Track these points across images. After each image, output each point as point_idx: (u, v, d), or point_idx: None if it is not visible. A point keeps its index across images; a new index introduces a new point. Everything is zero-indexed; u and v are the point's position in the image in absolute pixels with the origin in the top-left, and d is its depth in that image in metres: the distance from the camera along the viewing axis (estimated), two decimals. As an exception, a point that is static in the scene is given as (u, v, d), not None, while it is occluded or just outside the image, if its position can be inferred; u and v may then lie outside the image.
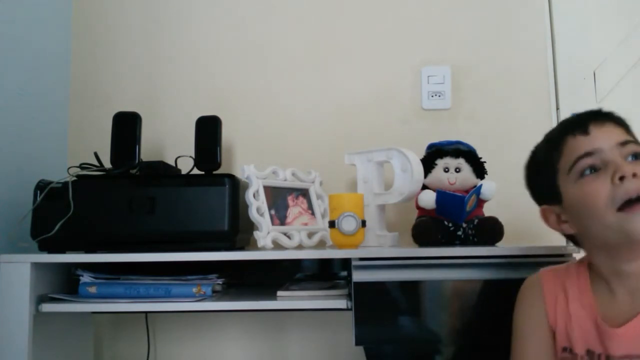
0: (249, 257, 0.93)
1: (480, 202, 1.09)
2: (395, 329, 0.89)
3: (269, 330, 1.30)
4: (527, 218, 1.26)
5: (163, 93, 1.39)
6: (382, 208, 1.12)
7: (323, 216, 1.16)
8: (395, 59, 1.37)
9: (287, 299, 0.96)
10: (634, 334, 0.67)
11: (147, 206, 0.98)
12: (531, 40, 1.37)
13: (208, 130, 1.07)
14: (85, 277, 1.00)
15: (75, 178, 1.01)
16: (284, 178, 1.12)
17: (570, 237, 0.79)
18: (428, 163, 1.11)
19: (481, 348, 0.90)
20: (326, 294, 0.99)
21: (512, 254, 0.90)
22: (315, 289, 1.01)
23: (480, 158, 1.13)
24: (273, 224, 1.03)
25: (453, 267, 0.90)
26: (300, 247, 1.06)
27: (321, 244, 1.12)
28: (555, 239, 1.24)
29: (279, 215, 1.07)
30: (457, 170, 1.10)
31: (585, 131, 0.72)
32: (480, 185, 1.06)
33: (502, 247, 0.93)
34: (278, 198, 1.09)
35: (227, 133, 1.19)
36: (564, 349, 0.74)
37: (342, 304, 0.92)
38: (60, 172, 1.07)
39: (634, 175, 0.66)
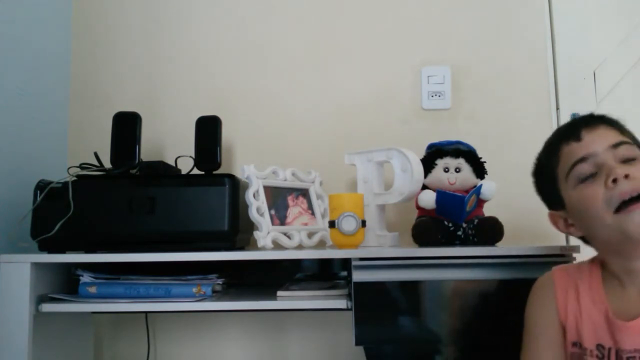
0: (249, 257, 0.93)
1: (480, 202, 1.09)
2: (395, 329, 0.89)
3: (269, 330, 1.30)
4: (527, 218, 1.27)
5: (163, 93, 1.39)
6: (382, 208, 1.12)
7: (323, 216, 1.16)
8: (395, 59, 1.37)
9: (287, 299, 0.96)
10: None
11: (147, 206, 0.98)
12: (531, 40, 1.37)
13: (208, 130, 1.07)
14: (85, 277, 1.00)
15: (75, 178, 1.01)
16: (284, 178, 1.12)
17: (581, 238, 0.80)
18: (428, 163, 1.11)
19: (481, 348, 0.90)
20: (326, 294, 0.99)
21: (512, 254, 0.90)
22: (315, 289, 1.01)
23: (480, 158, 1.13)
24: (273, 224, 1.03)
25: (453, 267, 0.90)
26: (300, 247, 1.06)
27: (321, 244, 1.12)
28: (555, 239, 1.25)
29: (279, 215, 1.07)
30: (457, 170, 1.10)
31: (577, 137, 0.74)
32: (480, 185, 1.06)
33: (502, 247, 0.93)
34: (278, 198, 1.09)
35: (227, 133, 1.19)
36: (574, 344, 0.75)
37: (342, 304, 0.92)
38: (60, 172, 1.07)
39: (626, 176, 0.68)
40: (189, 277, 1.00)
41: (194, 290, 0.97)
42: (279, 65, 1.39)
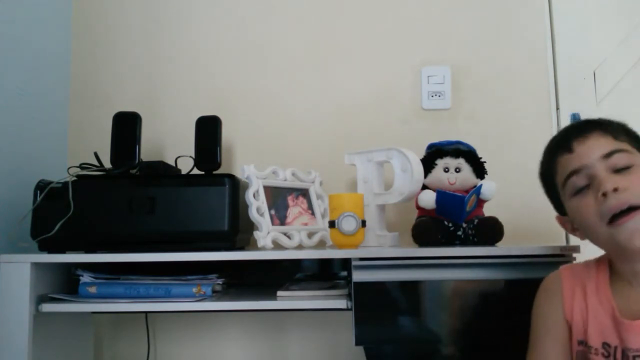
0: (249, 257, 0.93)
1: (480, 202, 1.09)
2: (395, 329, 0.89)
3: (269, 330, 1.30)
4: (527, 218, 1.27)
5: (163, 93, 1.39)
6: (382, 208, 1.12)
7: (323, 216, 1.16)
8: (395, 59, 1.37)
9: (287, 299, 0.96)
10: None
11: (147, 206, 0.98)
12: (531, 40, 1.37)
13: (208, 130, 1.07)
14: (85, 277, 1.00)
15: (75, 178, 1.01)
16: (284, 178, 1.12)
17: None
18: (428, 163, 1.11)
19: (481, 348, 0.90)
20: (326, 294, 0.99)
21: (512, 254, 0.90)
22: (315, 289, 1.01)
23: (480, 158, 1.13)
24: (273, 224, 1.03)
25: (453, 267, 0.90)
26: (300, 247, 1.06)
27: (321, 244, 1.12)
28: (555, 239, 1.25)
29: (279, 215, 1.07)
30: (457, 170, 1.10)
31: (569, 149, 0.75)
32: (480, 185, 1.06)
33: (502, 247, 0.93)
34: (278, 198, 1.09)
35: (227, 133, 1.19)
36: (580, 342, 0.75)
37: (342, 304, 0.92)
38: (60, 172, 1.07)
39: (615, 190, 0.68)
40: (189, 277, 1.00)
41: (194, 290, 0.97)
42: (279, 65, 1.39)
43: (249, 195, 1.02)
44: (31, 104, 1.22)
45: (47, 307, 0.93)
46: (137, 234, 0.98)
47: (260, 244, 0.99)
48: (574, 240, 0.84)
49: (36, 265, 0.93)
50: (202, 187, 0.99)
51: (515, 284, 0.89)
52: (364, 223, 0.98)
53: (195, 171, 1.08)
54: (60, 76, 1.37)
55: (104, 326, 1.32)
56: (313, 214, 1.15)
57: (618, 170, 0.71)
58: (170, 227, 0.97)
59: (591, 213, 0.71)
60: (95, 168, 1.08)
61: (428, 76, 1.36)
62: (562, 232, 1.27)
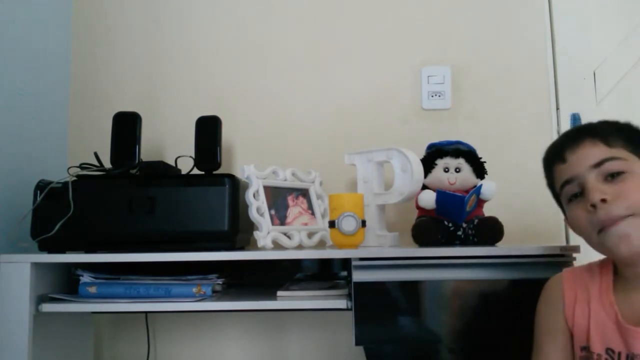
0: (249, 257, 0.93)
1: (480, 202, 1.09)
2: (395, 329, 0.89)
3: (269, 330, 1.30)
4: (527, 218, 1.27)
5: (163, 93, 1.39)
6: (382, 208, 1.12)
7: (323, 216, 1.16)
8: (395, 59, 1.37)
9: (287, 299, 0.96)
10: None
11: (147, 206, 0.98)
12: (531, 40, 1.37)
13: (208, 130, 1.07)
14: (85, 277, 1.00)
15: (75, 178, 1.01)
16: (284, 178, 1.12)
17: None
18: (428, 163, 1.11)
19: (481, 348, 0.90)
20: (326, 294, 0.99)
21: (512, 254, 0.90)
22: (315, 289, 1.01)
23: (480, 158, 1.13)
24: (273, 224, 1.03)
25: (453, 267, 0.90)
26: (300, 247, 1.06)
27: (321, 244, 1.12)
28: (555, 239, 1.25)
29: (279, 215, 1.07)
30: (457, 170, 1.10)
31: (562, 159, 0.76)
32: (480, 185, 1.06)
33: (502, 247, 0.93)
34: (278, 198, 1.09)
35: (227, 133, 1.19)
36: (583, 348, 0.75)
37: (342, 304, 0.92)
38: (60, 172, 1.08)
39: (603, 201, 0.69)
40: (189, 277, 1.00)
41: (194, 290, 0.97)
42: (279, 65, 1.39)
43: (249, 195, 1.02)
44: (31, 104, 1.22)
45: (47, 307, 0.93)
46: (137, 234, 0.98)
47: (260, 244, 0.99)
48: (574, 240, 0.84)
49: (36, 265, 0.93)
50: (202, 187, 0.99)
51: (515, 284, 0.89)
52: (364, 223, 0.98)
53: (195, 171, 1.08)
54: (60, 76, 1.37)
55: (104, 326, 1.32)
56: (313, 214, 1.15)
57: (612, 176, 0.71)
58: (170, 227, 0.97)
59: (583, 222, 0.72)
60: (95, 168, 1.08)
61: (428, 76, 1.36)
62: (562, 232, 1.27)
